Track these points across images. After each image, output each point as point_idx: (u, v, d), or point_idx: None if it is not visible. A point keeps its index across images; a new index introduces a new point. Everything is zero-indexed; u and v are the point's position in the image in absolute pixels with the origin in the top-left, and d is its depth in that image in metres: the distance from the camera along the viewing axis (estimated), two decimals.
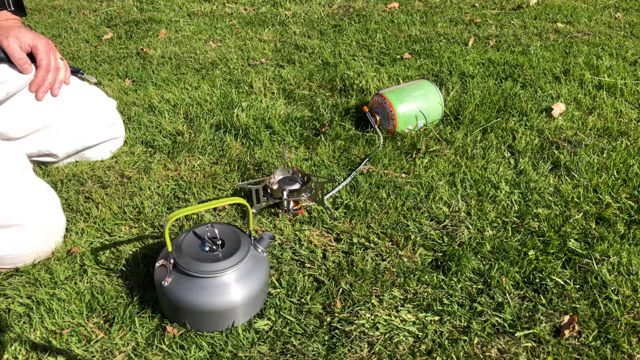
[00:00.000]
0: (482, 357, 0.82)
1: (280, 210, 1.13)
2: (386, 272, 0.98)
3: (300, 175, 1.18)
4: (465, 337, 0.84)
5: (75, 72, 1.27)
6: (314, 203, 1.15)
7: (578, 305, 0.89)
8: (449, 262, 0.99)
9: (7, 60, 1.11)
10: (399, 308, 0.90)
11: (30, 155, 1.22)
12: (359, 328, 0.86)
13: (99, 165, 1.31)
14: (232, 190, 1.21)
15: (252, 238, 0.90)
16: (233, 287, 0.84)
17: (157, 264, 0.87)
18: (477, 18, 2.50)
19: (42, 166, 1.29)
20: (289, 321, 0.88)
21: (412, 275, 0.96)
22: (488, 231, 1.07)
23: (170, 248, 0.85)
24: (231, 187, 1.22)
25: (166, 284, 0.83)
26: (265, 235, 0.91)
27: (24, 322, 0.87)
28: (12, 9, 1.18)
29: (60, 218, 1.04)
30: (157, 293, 0.88)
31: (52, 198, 1.03)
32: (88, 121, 1.27)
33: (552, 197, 1.17)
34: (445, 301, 0.91)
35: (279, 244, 1.05)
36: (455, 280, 0.95)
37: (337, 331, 0.86)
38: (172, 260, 0.84)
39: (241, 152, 1.36)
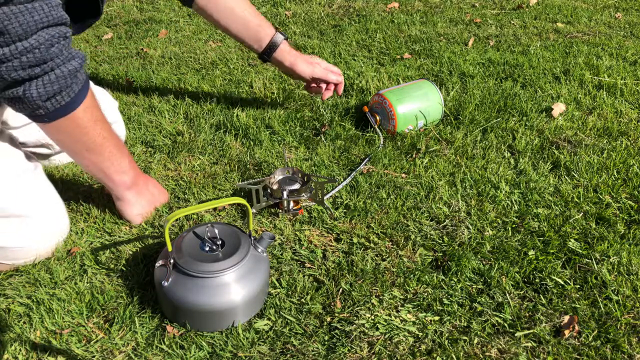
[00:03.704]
0: (482, 357, 0.82)
1: (280, 210, 1.13)
2: (386, 272, 0.98)
3: (300, 175, 1.18)
4: (465, 337, 0.84)
5: None
6: (314, 203, 1.15)
7: (578, 305, 0.89)
8: (449, 262, 0.99)
9: None
10: (399, 308, 0.90)
11: (27, 143, 1.22)
12: (359, 328, 0.86)
13: None
14: (232, 190, 1.21)
15: (252, 238, 0.90)
16: (233, 287, 0.84)
17: (157, 264, 0.87)
18: (477, 18, 2.50)
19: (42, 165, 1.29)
20: (289, 321, 0.88)
21: (412, 275, 0.96)
22: (488, 231, 1.07)
23: (170, 248, 0.85)
24: (231, 187, 1.22)
25: (166, 284, 0.83)
26: (265, 236, 0.91)
27: (24, 322, 0.87)
28: (286, 37, 1.38)
29: (63, 211, 1.06)
30: (157, 293, 0.88)
31: (55, 195, 1.06)
32: None
33: (552, 197, 1.17)
34: (445, 301, 0.91)
35: (279, 244, 1.05)
36: (455, 280, 0.95)
37: (337, 331, 0.86)
38: (172, 261, 0.84)
39: (241, 152, 1.36)
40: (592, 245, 1.02)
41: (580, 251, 1.01)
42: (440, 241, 1.05)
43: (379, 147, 1.36)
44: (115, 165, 1.03)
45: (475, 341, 0.84)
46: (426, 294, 0.92)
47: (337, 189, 1.19)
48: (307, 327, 0.87)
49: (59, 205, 1.06)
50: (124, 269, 0.98)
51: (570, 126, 1.47)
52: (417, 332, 0.85)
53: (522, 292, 0.93)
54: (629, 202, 1.15)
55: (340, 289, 0.94)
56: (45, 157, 1.30)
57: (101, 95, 1.30)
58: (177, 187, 1.22)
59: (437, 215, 1.12)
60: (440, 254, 1.02)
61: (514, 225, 1.09)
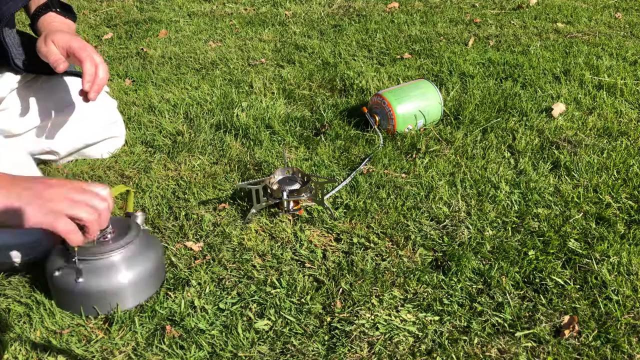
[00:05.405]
0: (482, 357, 0.82)
1: (280, 210, 1.13)
2: (386, 272, 0.98)
3: (300, 175, 1.18)
4: (465, 337, 0.84)
5: (75, 74, 1.27)
6: (314, 203, 1.15)
7: (578, 305, 0.89)
8: (449, 262, 0.99)
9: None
10: (399, 308, 0.90)
11: (31, 153, 1.22)
12: (359, 328, 0.86)
13: (99, 165, 1.31)
14: (232, 190, 1.21)
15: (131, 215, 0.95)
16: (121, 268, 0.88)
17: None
18: (477, 18, 2.50)
19: (43, 165, 1.30)
20: (289, 321, 0.88)
21: (412, 275, 0.96)
22: (488, 231, 1.07)
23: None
24: (231, 187, 1.22)
25: (57, 273, 0.85)
26: (139, 214, 0.96)
27: (24, 322, 0.87)
28: (57, 9, 1.11)
29: None
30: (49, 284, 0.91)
31: None
32: (89, 119, 1.27)
33: (552, 197, 1.17)
34: (445, 301, 0.91)
35: (279, 244, 1.05)
36: (455, 280, 0.95)
37: (337, 331, 0.86)
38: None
39: (241, 152, 1.36)
40: (592, 245, 1.02)
41: (580, 251, 1.01)
42: (440, 241, 1.05)
43: (379, 147, 1.36)
44: None
45: (475, 341, 0.84)
46: (426, 294, 0.92)
47: (337, 189, 1.19)
48: (307, 327, 0.87)
49: None
50: None
51: (570, 126, 1.47)
52: (417, 332, 0.85)
53: (522, 292, 0.93)
54: (629, 202, 1.15)
55: (340, 289, 0.94)
56: (50, 162, 1.30)
57: (101, 95, 1.30)
58: (177, 187, 1.22)
59: (437, 215, 1.12)
60: (440, 254, 1.02)
61: (514, 225, 1.09)
